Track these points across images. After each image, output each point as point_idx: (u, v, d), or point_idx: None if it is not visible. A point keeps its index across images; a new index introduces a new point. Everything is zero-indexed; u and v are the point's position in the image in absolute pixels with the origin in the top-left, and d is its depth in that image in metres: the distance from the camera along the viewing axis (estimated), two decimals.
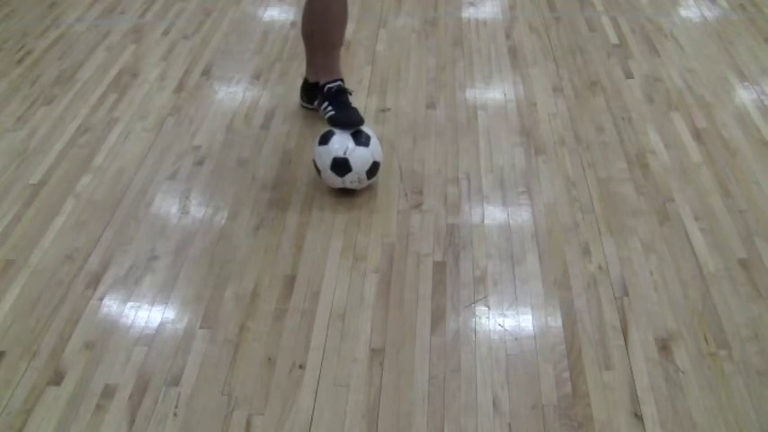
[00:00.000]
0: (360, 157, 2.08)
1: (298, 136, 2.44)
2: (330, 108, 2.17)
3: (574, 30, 3.00)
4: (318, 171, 2.14)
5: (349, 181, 2.10)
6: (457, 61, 2.81)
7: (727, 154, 2.30)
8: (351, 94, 2.23)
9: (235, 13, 3.22)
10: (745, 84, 2.63)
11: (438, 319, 1.81)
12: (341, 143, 2.08)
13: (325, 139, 2.10)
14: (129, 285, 1.93)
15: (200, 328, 1.81)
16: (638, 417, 1.58)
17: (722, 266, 1.92)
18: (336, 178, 2.10)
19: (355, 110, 2.16)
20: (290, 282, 1.92)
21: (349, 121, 2.11)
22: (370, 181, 2.14)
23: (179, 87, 2.73)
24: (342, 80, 2.22)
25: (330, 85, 2.20)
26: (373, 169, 2.11)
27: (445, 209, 2.13)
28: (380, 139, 2.18)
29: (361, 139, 2.09)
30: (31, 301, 1.90)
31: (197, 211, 2.17)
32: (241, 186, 2.24)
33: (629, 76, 2.69)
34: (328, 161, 2.08)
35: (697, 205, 2.11)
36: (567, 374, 1.67)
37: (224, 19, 3.18)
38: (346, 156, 2.07)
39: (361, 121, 2.12)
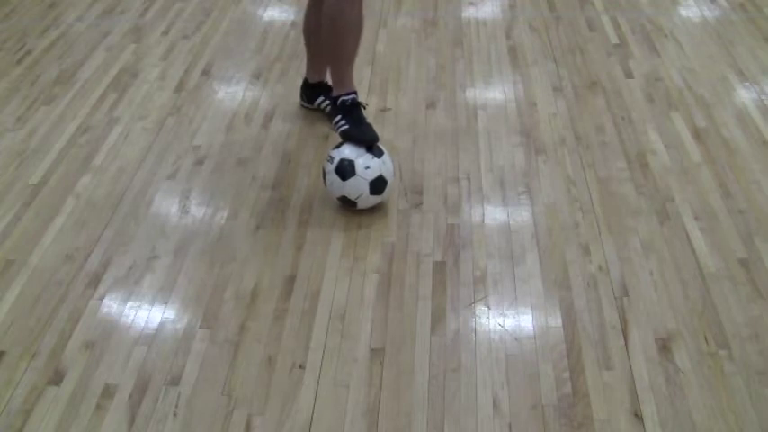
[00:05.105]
0: (370, 201, 2.07)
1: (298, 136, 2.44)
2: (344, 122, 2.11)
3: (574, 30, 3.00)
4: (324, 176, 2.10)
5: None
6: (457, 61, 2.81)
7: (727, 154, 2.30)
8: (365, 107, 2.18)
9: (235, 13, 3.22)
10: (745, 84, 2.63)
11: (438, 319, 1.81)
12: (356, 188, 2.03)
13: (342, 173, 2.03)
14: (129, 285, 1.93)
15: (200, 328, 1.81)
16: (638, 417, 1.58)
17: (722, 266, 1.92)
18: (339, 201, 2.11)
19: (369, 126, 2.12)
20: (290, 282, 1.92)
21: (363, 137, 2.07)
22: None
23: (179, 87, 2.73)
24: (355, 92, 2.17)
25: (344, 98, 2.14)
26: (375, 205, 2.11)
27: (445, 209, 2.13)
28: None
29: (378, 188, 2.04)
30: (31, 301, 1.90)
31: (197, 210, 2.16)
32: (241, 186, 2.24)
33: (629, 76, 2.69)
34: (337, 193, 2.07)
35: (697, 205, 2.11)
36: (566, 374, 1.67)
37: (224, 19, 3.18)
38: (356, 200, 2.05)
39: (376, 138, 2.08)
